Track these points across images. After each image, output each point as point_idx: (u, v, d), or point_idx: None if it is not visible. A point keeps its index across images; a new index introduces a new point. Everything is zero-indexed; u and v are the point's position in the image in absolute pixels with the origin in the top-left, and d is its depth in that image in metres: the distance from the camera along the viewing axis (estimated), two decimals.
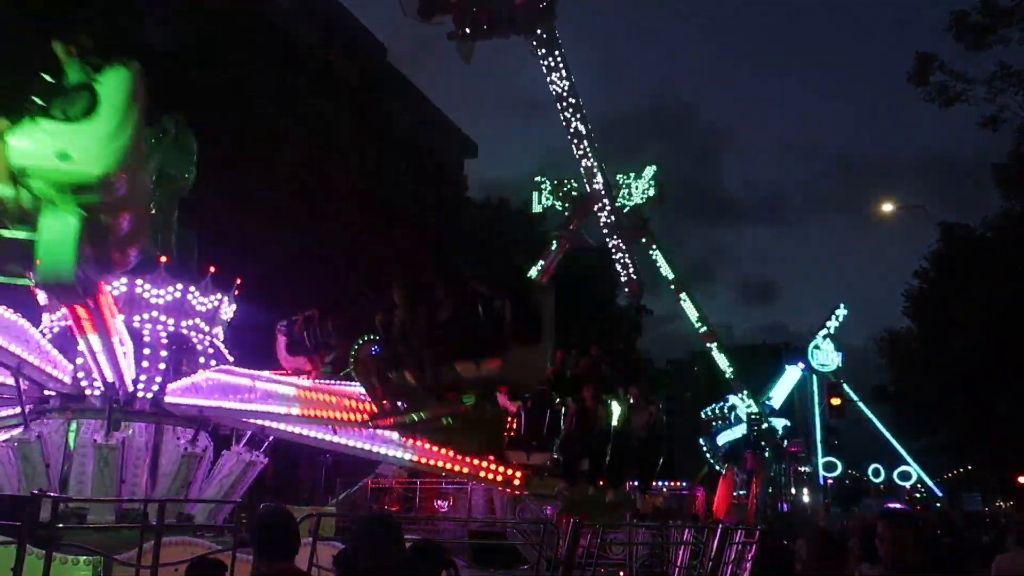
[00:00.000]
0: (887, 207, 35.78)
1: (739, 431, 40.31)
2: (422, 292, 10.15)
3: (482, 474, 12.54)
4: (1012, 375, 25.36)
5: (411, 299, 10.12)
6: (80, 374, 11.79)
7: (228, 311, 13.95)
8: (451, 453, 12.13)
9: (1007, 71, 18.06)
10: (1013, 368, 25.19)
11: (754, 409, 42.12)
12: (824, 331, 50.60)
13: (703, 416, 43.45)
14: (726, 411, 41.42)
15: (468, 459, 12.29)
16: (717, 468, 35.43)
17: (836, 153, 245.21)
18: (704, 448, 41.33)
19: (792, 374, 50.25)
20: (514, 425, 14.62)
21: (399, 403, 9.93)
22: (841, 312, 52.12)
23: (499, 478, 12.52)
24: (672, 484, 32.27)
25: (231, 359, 13.74)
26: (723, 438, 41.65)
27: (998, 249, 25.93)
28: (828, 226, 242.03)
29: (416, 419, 9.77)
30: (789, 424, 45.66)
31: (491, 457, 11.91)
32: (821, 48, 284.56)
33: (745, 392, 42.27)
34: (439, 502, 16.60)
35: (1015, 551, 7.83)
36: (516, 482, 12.77)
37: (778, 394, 49.33)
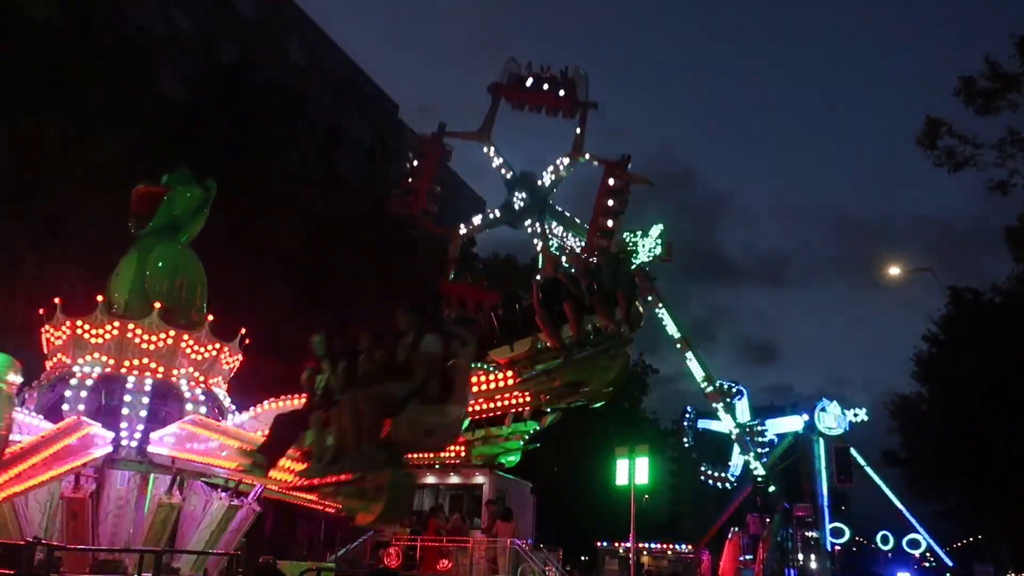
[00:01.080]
0: (894, 270, 35.82)
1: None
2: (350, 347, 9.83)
3: None
4: (1021, 438, 25.05)
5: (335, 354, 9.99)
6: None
7: (231, 360, 13.81)
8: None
9: (1016, 136, 18.19)
10: (1021, 432, 24.89)
11: (760, 472, 41.55)
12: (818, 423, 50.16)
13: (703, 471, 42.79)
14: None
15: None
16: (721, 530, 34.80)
17: (835, 217, 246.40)
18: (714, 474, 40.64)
19: (793, 423, 49.67)
20: None
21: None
22: (862, 414, 51.66)
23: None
24: (676, 547, 31.73)
25: (231, 408, 13.57)
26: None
27: (1008, 313, 25.83)
28: (827, 289, 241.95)
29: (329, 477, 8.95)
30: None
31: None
32: (819, 112, 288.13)
33: (751, 454, 41.74)
34: (442, 560, 16.30)
35: None
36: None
37: (772, 430, 48.59)
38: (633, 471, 22.48)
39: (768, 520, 37.17)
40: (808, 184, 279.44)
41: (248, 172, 23.93)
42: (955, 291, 30.71)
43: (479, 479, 19.24)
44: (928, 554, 53.77)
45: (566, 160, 23.13)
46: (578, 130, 22.66)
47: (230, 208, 22.32)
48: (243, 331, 14.02)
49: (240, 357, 14.09)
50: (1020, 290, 24.43)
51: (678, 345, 40.88)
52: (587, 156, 22.84)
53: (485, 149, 23.95)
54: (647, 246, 38.10)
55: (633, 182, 21.93)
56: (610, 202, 21.22)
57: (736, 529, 33.86)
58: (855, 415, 49.39)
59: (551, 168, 23.48)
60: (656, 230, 40.06)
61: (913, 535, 53.72)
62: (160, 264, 13.21)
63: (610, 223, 21.23)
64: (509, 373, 12.47)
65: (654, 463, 30.83)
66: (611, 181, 21.34)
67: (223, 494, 12.56)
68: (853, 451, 49.88)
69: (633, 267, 39.92)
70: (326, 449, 8.75)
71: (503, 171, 24.11)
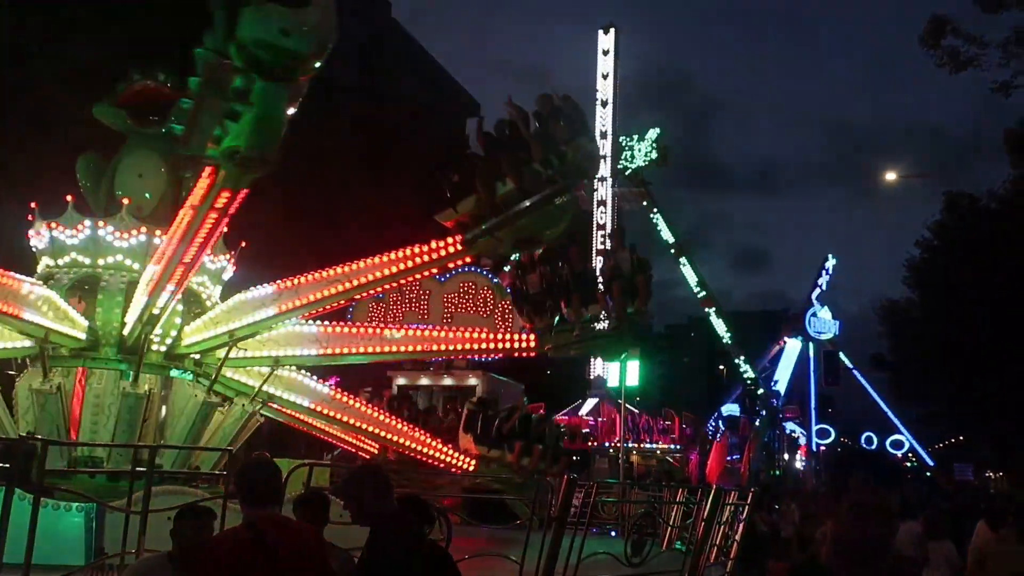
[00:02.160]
0: (891, 175, 35.47)
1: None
2: None
3: (443, 457, 13.28)
4: (1012, 345, 25.29)
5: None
6: (98, 322, 11.80)
7: (216, 260, 13.82)
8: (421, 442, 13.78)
9: (1023, 36, 17.69)
10: (1013, 338, 25.11)
11: (751, 375, 42.23)
12: (817, 290, 50.45)
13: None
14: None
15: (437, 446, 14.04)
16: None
17: (828, 122, 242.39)
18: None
19: (793, 348, 50.29)
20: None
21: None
22: (831, 263, 51.87)
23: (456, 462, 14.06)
24: (666, 446, 32.49)
25: None
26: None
27: (1002, 219, 25.71)
28: (821, 195, 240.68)
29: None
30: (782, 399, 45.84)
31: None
32: (814, 14, 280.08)
33: (742, 357, 42.34)
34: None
35: (1017, 549, 7.53)
36: (470, 468, 13.43)
37: (783, 374, 49.46)
38: (624, 373, 22.78)
39: (756, 422, 38.00)
40: (804, 90, 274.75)
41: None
42: (950, 196, 30.45)
43: (472, 381, 19.49)
44: (911, 454, 55.22)
45: None
46: None
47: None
48: (244, 244, 14.01)
49: (228, 259, 14.02)
50: (1016, 195, 24.23)
51: (671, 251, 40.96)
52: None
53: None
54: (643, 150, 37.71)
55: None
56: None
57: (724, 430, 34.57)
58: (826, 270, 49.58)
59: None
60: (653, 133, 39.60)
61: (896, 436, 55.06)
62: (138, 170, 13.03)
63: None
64: (457, 237, 11.77)
65: (645, 366, 31.19)
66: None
67: (197, 391, 12.74)
68: (842, 355, 50.68)
69: (629, 171, 39.95)
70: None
71: None
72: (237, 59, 8.40)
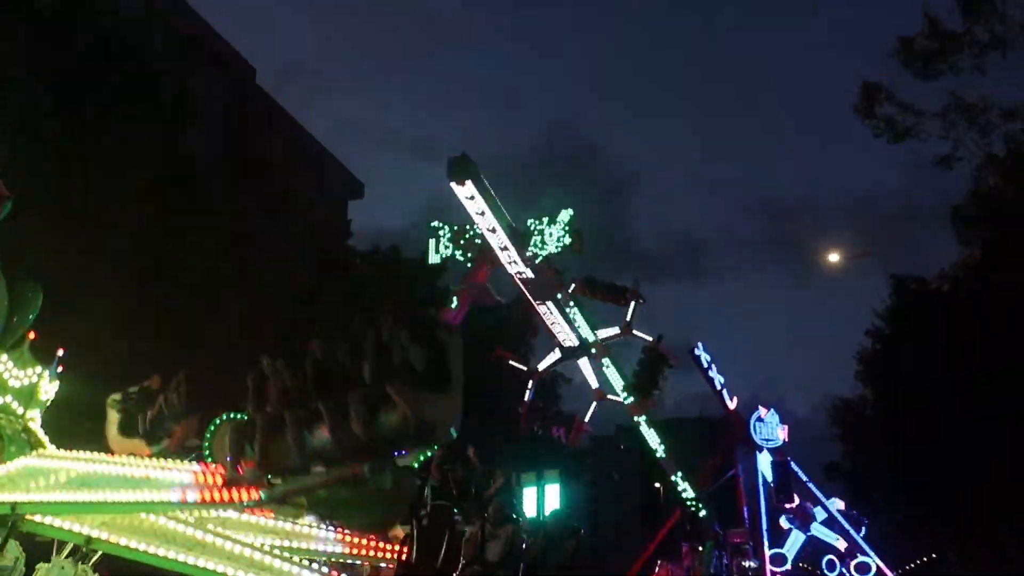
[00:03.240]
0: (834, 257, 37.21)
1: None
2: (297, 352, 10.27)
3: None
4: (976, 440, 26.26)
5: (290, 357, 10.31)
6: None
7: (48, 389, 13.19)
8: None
9: (960, 103, 19.01)
10: (976, 432, 26.09)
11: (691, 493, 42.48)
12: (717, 384, 51.70)
13: None
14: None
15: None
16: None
17: (756, 197, 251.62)
18: None
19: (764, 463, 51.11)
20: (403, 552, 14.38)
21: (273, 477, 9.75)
22: (701, 354, 53.19)
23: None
24: None
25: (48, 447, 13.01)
26: None
27: (956, 302, 27.06)
28: (752, 278, 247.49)
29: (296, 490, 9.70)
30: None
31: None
32: (736, 79, 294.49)
33: (679, 473, 42.61)
34: None
35: None
36: None
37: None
38: (542, 501, 22.61)
39: (700, 549, 38.05)
40: (725, 161, 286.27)
41: (72, 145, 22.94)
42: (898, 280, 32.01)
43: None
44: None
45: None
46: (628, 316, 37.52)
47: (48, 189, 21.37)
48: (62, 351, 13.43)
49: (56, 384, 13.42)
50: (968, 277, 25.63)
51: (593, 351, 41.41)
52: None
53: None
54: (554, 235, 38.39)
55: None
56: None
57: (662, 561, 34.55)
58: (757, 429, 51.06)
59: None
60: (565, 215, 40.46)
61: (862, 558, 55.81)
62: None
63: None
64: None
65: (567, 490, 31.12)
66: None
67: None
68: (793, 464, 51.65)
69: (539, 259, 40.65)
70: (308, 450, 9.59)
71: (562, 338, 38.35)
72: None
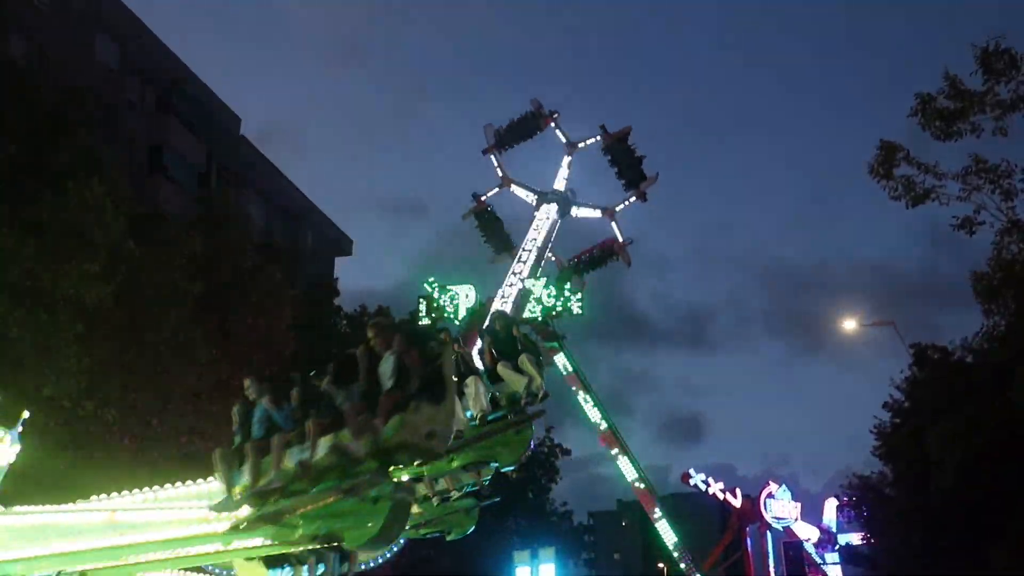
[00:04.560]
0: (850, 324, 37.18)
1: None
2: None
3: None
4: (1007, 517, 25.91)
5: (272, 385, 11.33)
6: None
7: (9, 453, 13.16)
8: None
9: (982, 165, 19.14)
10: (1008, 508, 25.75)
11: None
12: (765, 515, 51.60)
13: None
14: None
15: None
16: None
17: (763, 265, 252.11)
18: None
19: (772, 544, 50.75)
20: None
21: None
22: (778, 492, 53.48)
23: None
24: None
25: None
26: None
27: (980, 374, 26.95)
28: (760, 349, 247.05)
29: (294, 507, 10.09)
30: None
31: None
32: (734, 150, 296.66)
33: (691, 559, 42.10)
34: None
35: None
36: None
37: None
38: None
39: None
40: (730, 228, 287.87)
41: (37, 201, 22.97)
42: (919, 349, 31.90)
43: None
44: None
45: (567, 158, 42.68)
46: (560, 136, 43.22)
47: (13, 250, 21.37)
48: (26, 415, 13.42)
49: (18, 448, 13.37)
50: (992, 348, 25.59)
51: (602, 436, 41.21)
52: (585, 143, 42.95)
53: (512, 190, 42.98)
54: (550, 294, 38.47)
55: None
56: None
57: None
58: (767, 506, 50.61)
59: (561, 172, 42.70)
60: (566, 276, 40.65)
61: None
62: None
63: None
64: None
65: (562, 569, 30.70)
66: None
67: None
68: (806, 546, 51.12)
69: (540, 319, 40.68)
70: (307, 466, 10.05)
71: (528, 197, 42.39)
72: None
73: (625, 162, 41.69)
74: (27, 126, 24.61)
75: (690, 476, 53.37)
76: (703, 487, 52.66)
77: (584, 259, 42.95)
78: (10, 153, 23.59)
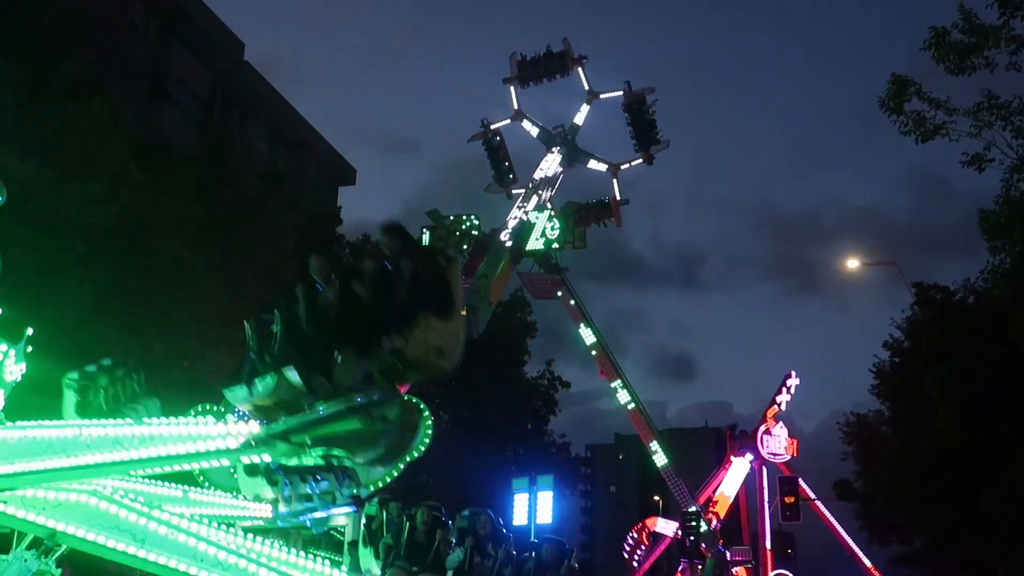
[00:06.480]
0: (853, 263, 37.08)
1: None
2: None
3: None
4: (1000, 463, 26.15)
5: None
6: None
7: (14, 369, 13.14)
8: None
9: (994, 101, 18.89)
10: (1001, 454, 25.99)
11: (692, 508, 42.40)
12: (775, 408, 51.48)
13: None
14: None
15: None
16: None
17: (756, 208, 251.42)
18: None
19: (740, 468, 50.84)
20: None
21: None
22: (793, 383, 53.12)
23: None
24: None
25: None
26: None
27: (983, 314, 26.97)
28: (753, 290, 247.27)
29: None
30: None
31: None
32: (733, 85, 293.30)
33: (685, 491, 42.47)
34: None
35: None
36: None
37: (725, 495, 49.75)
38: (534, 508, 22.54)
39: (700, 566, 37.98)
40: (723, 172, 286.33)
41: (38, 124, 22.83)
42: (922, 289, 31.87)
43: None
44: None
45: (586, 106, 41.20)
46: (584, 82, 41.41)
47: (14, 172, 21.24)
48: (31, 331, 13.39)
49: (23, 366, 13.36)
50: (996, 287, 25.52)
51: (593, 352, 41.33)
52: (602, 96, 41.17)
53: (524, 124, 41.42)
54: (553, 227, 38.25)
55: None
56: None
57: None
58: (787, 389, 50.31)
59: (578, 117, 41.31)
60: (568, 208, 40.38)
61: None
62: None
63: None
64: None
65: (560, 499, 30.99)
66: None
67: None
68: (802, 482, 51.52)
69: (540, 251, 40.55)
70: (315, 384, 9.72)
71: (537, 134, 41.29)
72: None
73: (640, 123, 41.08)
74: (29, 46, 24.38)
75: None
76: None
77: (583, 214, 42.47)
78: (11, 74, 23.40)
